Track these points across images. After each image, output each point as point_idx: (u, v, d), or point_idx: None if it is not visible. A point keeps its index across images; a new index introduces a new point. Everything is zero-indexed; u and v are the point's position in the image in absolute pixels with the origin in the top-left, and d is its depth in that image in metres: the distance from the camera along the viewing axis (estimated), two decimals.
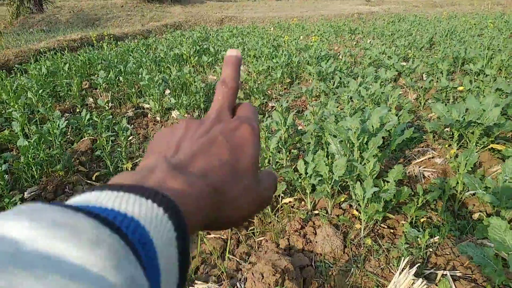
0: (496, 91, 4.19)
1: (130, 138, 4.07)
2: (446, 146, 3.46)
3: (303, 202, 2.78)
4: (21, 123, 3.92)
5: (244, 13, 23.29)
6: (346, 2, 28.73)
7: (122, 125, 3.60)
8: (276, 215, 2.65)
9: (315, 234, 2.38)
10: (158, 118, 4.79)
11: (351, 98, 4.38)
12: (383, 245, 2.27)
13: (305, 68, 6.54)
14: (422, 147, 3.55)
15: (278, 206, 2.72)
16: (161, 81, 5.12)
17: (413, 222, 2.43)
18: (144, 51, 8.97)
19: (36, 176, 3.30)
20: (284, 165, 3.18)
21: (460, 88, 4.51)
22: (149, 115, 4.98)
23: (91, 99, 5.54)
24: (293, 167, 3.03)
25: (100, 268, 0.18)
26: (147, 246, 0.22)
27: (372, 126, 3.01)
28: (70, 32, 14.42)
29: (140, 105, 5.31)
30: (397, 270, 1.86)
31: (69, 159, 3.51)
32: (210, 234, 2.42)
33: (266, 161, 2.83)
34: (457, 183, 2.54)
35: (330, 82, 5.50)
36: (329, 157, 2.68)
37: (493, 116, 3.07)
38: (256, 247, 2.35)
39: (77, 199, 0.24)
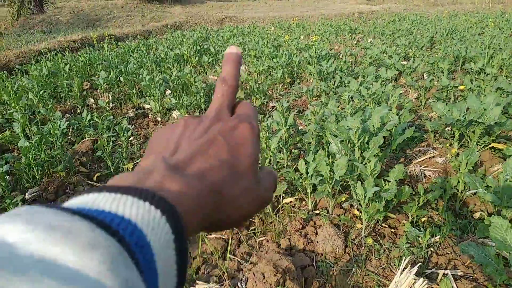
0: (497, 90, 4.19)
1: (131, 138, 4.08)
2: (447, 145, 3.46)
3: (304, 202, 2.78)
4: (22, 124, 3.92)
5: (244, 13, 23.29)
6: (347, 1, 28.71)
7: (123, 125, 3.60)
8: (277, 215, 2.65)
9: (316, 234, 2.38)
10: (159, 119, 4.79)
11: (351, 97, 4.38)
12: (384, 245, 2.27)
13: (306, 67, 6.54)
14: (423, 146, 3.55)
15: (279, 206, 2.72)
16: (161, 81, 5.13)
17: (414, 222, 2.43)
18: (144, 51, 8.98)
19: (37, 177, 3.31)
20: (285, 165, 3.18)
21: (461, 87, 4.50)
22: (150, 115, 4.98)
23: (92, 100, 5.55)
24: (294, 167, 3.03)
25: (96, 272, 0.18)
26: (144, 249, 0.22)
27: (373, 125, 3.00)
28: (71, 32, 14.45)
29: (141, 105, 5.32)
30: (398, 269, 1.86)
31: (70, 159, 3.51)
32: (211, 234, 2.43)
33: (267, 161, 2.84)
34: (458, 182, 2.54)
35: (330, 81, 5.50)
36: (330, 157, 2.67)
37: (494, 115, 3.07)
38: (257, 247, 2.35)
39: (74, 201, 0.24)
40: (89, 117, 4.08)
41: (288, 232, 2.42)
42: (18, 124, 3.90)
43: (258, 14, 22.68)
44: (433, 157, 3.32)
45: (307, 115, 3.62)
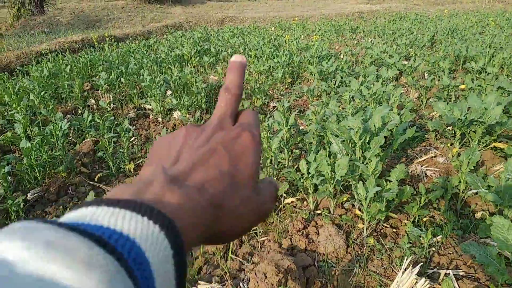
0: (498, 90, 4.18)
1: (132, 139, 4.08)
2: (448, 145, 3.45)
3: (305, 202, 2.78)
4: (23, 125, 3.93)
5: (244, 13, 23.29)
6: (347, 1, 28.70)
7: (124, 126, 3.60)
8: (279, 215, 2.65)
9: (318, 234, 2.38)
10: (160, 119, 4.80)
11: (352, 97, 4.38)
12: (386, 245, 2.27)
13: (306, 67, 6.54)
14: (424, 146, 3.55)
15: (281, 206, 2.72)
16: (162, 82, 5.13)
17: (416, 222, 2.43)
18: (145, 52, 8.98)
19: (39, 178, 3.31)
20: (286, 165, 3.18)
21: (462, 86, 4.50)
22: (151, 116, 4.99)
23: (92, 101, 5.55)
24: (295, 167, 3.03)
25: None
26: (143, 265, 0.22)
27: (374, 125, 3.00)
28: (71, 33, 14.46)
29: (142, 106, 5.32)
30: (400, 269, 1.86)
31: (71, 160, 3.52)
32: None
33: (268, 161, 2.84)
34: (460, 182, 2.54)
35: (331, 81, 5.50)
36: (331, 157, 2.67)
37: (495, 114, 3.06)
38: (259, 247, 2.35)
39: (73, 214, 0.24)
40: (90, 117, 4.09)
41: (290, 232, 2.43)
42: (19, 125, 3.91)
43: (259, 14, 22.68)
44: (435, 156, 3.32)
45: (308, 115, 3.63)
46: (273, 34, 12.86)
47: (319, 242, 2.29)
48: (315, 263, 2.16)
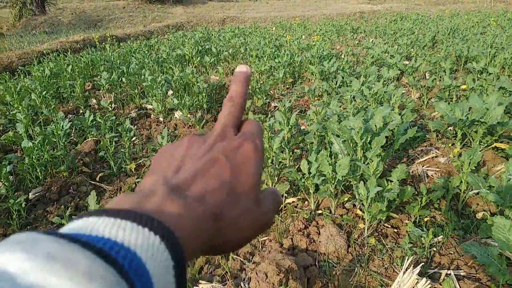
0: (499, 90, 4.18)
1: (133, 139, 4.09)
2: (450, 145, 3.45)
3: (306, 202, 2.78)
4: (25, 125, 3.94)
5: (246, 13, 23.30)
6: (348, 1, 28.68)
7: (126, 126, 3.61)
8: (280, 215, 2.65)
9: (319, 233, 2.38)
10: (161, 119, 4.80)
11: (354, 97, 4.38)
12: (387, 245, 2.27)
13: (308, 67, 6.54)
14: (426, 146, 3.55)
15: (282, 206, 2.72)
16: (163, 81, 5.14)
17: (417, 222, 2.43)
18: (146, 52, 8.99)
19: (40, 177, 3.32)
20: (287, 165, 3.19)
21: (463, 86, 4.50)
22: (152, 115, 4.99)
23: (94, 100, 5.56)
24: (296, 167, 3.04)
25: None
26: (143, 277, 0.22)
27: (375, 125, 3.00)
28: (73, 33, 14.49)
29: (143, 106, 5.33)
30: (401, 269, 1.86)
31: (73, 160, 3.53)
32: None
33: (269, 161, 2.84)
34: (461, 182, 2.53)
35: (332, 81, 5.50)
36: (332, 157, 2.68)
37: (497, 114, 3.06)
38: (260, 247, 2.36)
39: (75, 224, 0.24)
40: (91, 117, 4.10)
41: (291, 232, 2.43)
42: (21, 125, 3.92)
43: (260, 14, 22.68)
44: (436, 157, 3.32)
45: (309, 115, 3.63)
46: (274, 34, 12.86)
47: (320, 242, 2.29)
48: (316, 263, 2.16)
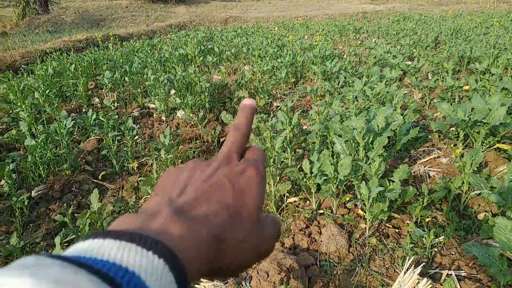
0: (502, 90, 4.17)
1: (136, 137, 4.10)
2: (452, 145, 3.45)
3: (308, 202, 2.79)
4: (28, 123, 3.96)
5: (248, 13, 23.30)
6: (351, 1, 28.64)
7: (128, 124, 3.62)
8: (281, 214, 2.66)
9: (320, 233, 2.38)
10: (164, 118, 4.82)
11: (356, 97, 4.38)
12: (388, 245, 2.27)
13: (310, 67, 6.54)
14: (428, 146, 3.55)
15: (283, 205, 2.73)
16: (166, 81, 5.15)
17: (418, 222, 2.43)
18: (149, 51, 9.02)
19: (43, 175, 3.34)
20: (289, 164, 3.19)
21: (466, 87, 4.49)
22: (154, 115, 5.01)
23: (97, 99, 5.58)
24: (298, 166, 3.04)
25: None
26: None
27: (378, 125, 3.00)
28: (76, 32, 14.53)
29: (146, 105, 5.34)
30: (402, 269, 1.87)
31: (75, 158, 3.54)
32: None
33: (271, 160, 2.84)
34: (463, 183, 2.53)
35: (335, 81, 5.50)
36: (334, 157, 2.68)
37: (499, 115, 3.06)
38: None
39: (80, 246, 0.24)
40: (94, 116, 4.11)
41: (292, 231, 2.43)
42: (24, 123, 3.94)
43: (262, 14, 22.68)
44: (438, 157, 3.32)
45: (311, 115, 3.63)
46: (277, 34, 12.86)
47: (321, 241, 2.30)
48: (317, 263, 2.16)
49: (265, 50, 8.20)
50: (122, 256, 0.23)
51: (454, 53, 7.04)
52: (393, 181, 2.52)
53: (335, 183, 2.50)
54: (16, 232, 2.57)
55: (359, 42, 10.92)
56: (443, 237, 2.25)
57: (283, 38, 11.47)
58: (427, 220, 2.43)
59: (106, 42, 10.89)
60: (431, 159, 3.31)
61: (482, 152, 2.74)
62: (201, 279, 2.05)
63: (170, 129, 3.55)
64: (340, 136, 2.99)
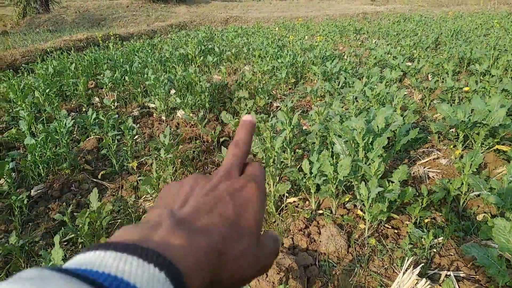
0: (502, 92, 4.17)
1: (135, 137, 4.10)
2: (451, 146, 3.45)
3: (307, 202, 2.79)
4: (28, 122, 3.96)
5: (249, 13, 23.31)
6: (351, 1, 28.64)
7: (128, 124, 3.62)
8: (280, 214, 2.66)
9: (319, 233, 2.38)
10: (164, 118, 4.82)
11: (356, 98, 4.38)
12: (387, 245, 2.27)
13: (310, 68, 6.54)
14: (427, 147, 3.55)
15: (283, 205, 2.73)
16: (166, 80, 5.15)
17: (417, 223, 2.43)
18: (149, 51, 9.02)
19: (42, 174, 3.34)
20: (289, 164, 3.19)
21: (466, 88, 4.49)
22: (154, 114, 5.01)
23: (97, 99, 5.58)
24: (298, 166, 3.04)
25: None
26: None
27: (377, 126, 3.01)
28: (76, 32, 14.53)
29: (146, 104, 5.35)
30: (401, 270, 1.87)
31: (75, 157, 3.54)
32: None
33: (271, 160, 2.85)
34: (462, 184, 2.53)
35: (335, 82, 5.50)
36: (334, 157, 2.68)
37: (499, 117, 3.06)
38: None
39: (82, 258, 0.25)
40: (94, 115, 4.11)
41: (291, 231, 2.43)
42: (24, 122, 3.94)
43: (263, 14, 22.69)
44: (437, 158, 3.32)
45: (311, 115, 3.63)
46: (277, 34, 12.87)
47: (320, 241, 2.30)
48: (316, 263, 2.17)
49: (266, 50, 8.20)
50: (124, 269, 0.23)
51: (454, 54, 7.04)
52: (392, 182, 2.52)
53: (334, 184, 2.50)
54: (15, 231, 2.57)
55: (360, 43, 10.92)
56: (442, 238, 2.25)
57: (283, 38, 11.47)
58: (426, 221, 2.43)
59: (107, 42, 10.89)
60: (430, 160, 3.31)
61: (482, 153, 2.74)
62: None
63: (170, 129, 3.55)
64: (340, 136, 2.99)
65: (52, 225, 2.76)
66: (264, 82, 5.80)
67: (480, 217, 2.47)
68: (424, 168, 3.16)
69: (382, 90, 4.26)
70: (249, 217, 0.35)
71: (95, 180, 3.38)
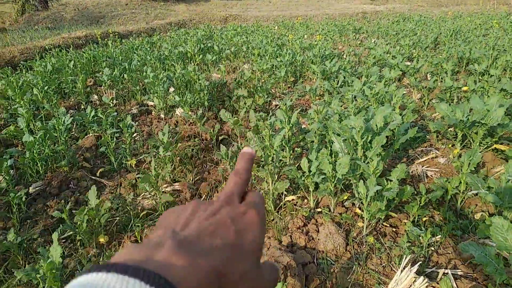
0: (500, 92, 4.18)
1: (134, 135, 4.10)
2: (450, 146, 3.46)
3: (306, 200, 2.79)
4: (26, 119, 3.95)
5: (248, 12, 23.28)
6: (351, 1, 28.64)
7: (127, 122, 3.62)
8: (279, 212, 2.66)
9: (318, 231, 2.39)
10: (162, 116, 4.81)
11: (355, 97, 4.39)
12: (385, 243, 2.28)
13: (309, 67, 6.54)
14: (426, 146, 3.56)
15: (281, 203, 2.73)
16: (165, 78, 5.14)
17: (416, 221, 2.44)
18: (148, 49, 9.01)
19: (41, 172, 3.33)
20: (288, 163, 3.19)
21: (465, 88, 4.50)
22: (153, 112, 5.00)
23: (95, 96, 5.57)
24: (297, 165, 3.05)
25: None
26: None
27: (376, 125, 3.01)
28: (75, 29, 14.50)
29: (145, 102, 5.34)
30: (399, 268, 1.88)
31: (73, 155, 3.54)
32: None
33: (270, 159, 2.85)
34: (460, 182, 2.54)
35: (334, 81, 5.50)
36: (333, 156, 2.69)
37: (497, 116, 3.07)
38: None
39: (84, 280, 0.25)
40: (93, 113, 4.11)
41: (290, 229, 2.44)
42: (22, 119, 3.93)
43: (262, 13, 22.66)
44: (436, 157, 3.33)
45: (310, 114, 3.63)
46: (277, 33, 12.86)
47: (319, 239, 2.31)
48: (315, 260, 2.17)
49: (265, 49, 8.20)
50: None
51: (453, 54, 7.05)
52: (391, 181, 2.53)
53: (333, 182, 2.50)
54: (13, 228, 2.57)
55: (359, 42, 10.93)
56: (440, 236, 2.26)
57: (282, 37, 11.47)
58: (424, 219, 2.44)
59: (106, 39, 10.87)
60: (429, 159, 3.32)
61: (480, 152, 2.75)
62: None
63: (169, 127, 3.55)
64: (338, 135, 2.99)
65: (51, 222, 2.75)
66: (263, 80, 5.80)
67: (478, 216, 2.48)
68: (422, 167, 3.17)
69: (381, 89, 4.26)
70: (249, 241, 0.36)
71: (93, 177, 3.37)
